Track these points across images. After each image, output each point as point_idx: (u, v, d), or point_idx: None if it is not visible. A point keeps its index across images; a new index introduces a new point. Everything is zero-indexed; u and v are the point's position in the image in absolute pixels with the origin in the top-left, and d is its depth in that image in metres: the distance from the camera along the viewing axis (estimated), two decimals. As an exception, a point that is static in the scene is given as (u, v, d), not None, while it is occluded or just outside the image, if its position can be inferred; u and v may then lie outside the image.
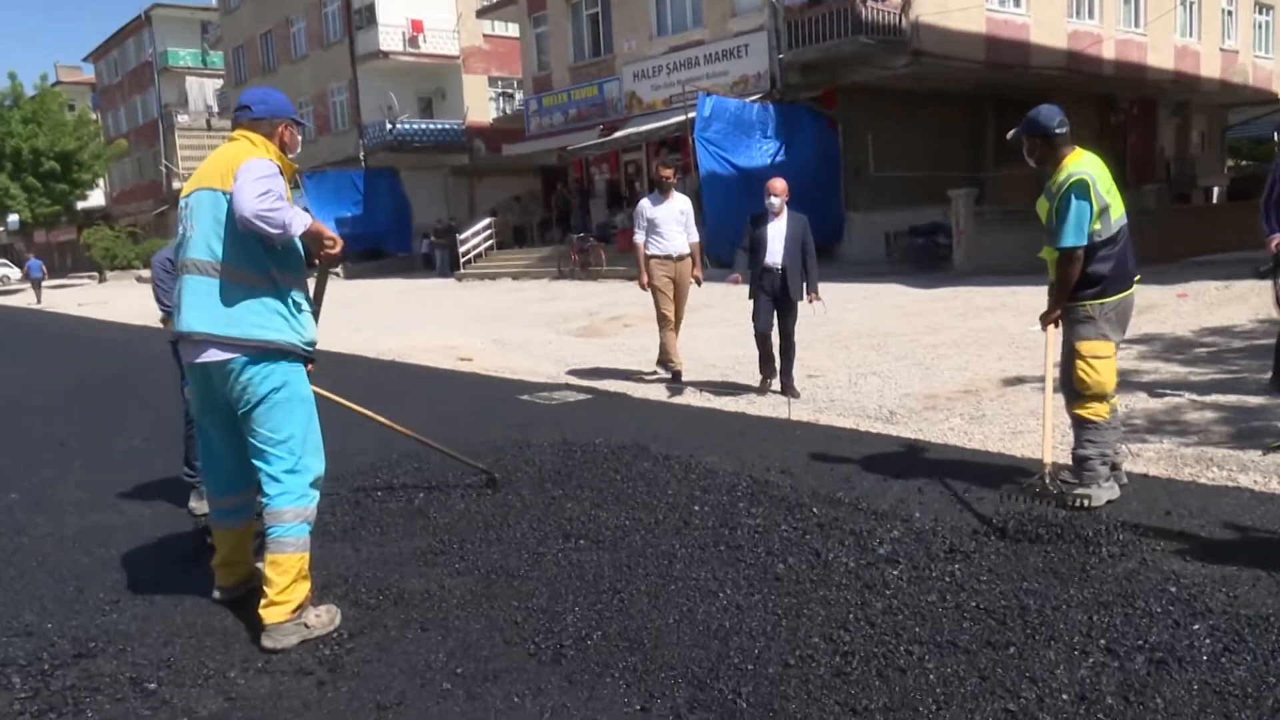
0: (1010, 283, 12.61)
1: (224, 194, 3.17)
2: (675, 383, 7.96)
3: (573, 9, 25.78)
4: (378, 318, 16.63)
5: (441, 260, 28.07)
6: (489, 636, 3.20)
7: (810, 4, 19.65)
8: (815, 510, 4.27)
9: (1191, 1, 26.90)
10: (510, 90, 33.89)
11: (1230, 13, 28.64)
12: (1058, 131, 4.29)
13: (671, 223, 7.95)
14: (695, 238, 8.13)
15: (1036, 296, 4.88)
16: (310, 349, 3.37)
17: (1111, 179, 4.30)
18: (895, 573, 3.51)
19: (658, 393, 7.76)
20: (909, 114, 20.99)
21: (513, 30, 30.55)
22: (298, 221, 3.10)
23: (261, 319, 3.20)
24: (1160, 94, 27.18)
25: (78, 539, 4.54)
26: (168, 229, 40.54)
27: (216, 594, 3.60)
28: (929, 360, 8.42)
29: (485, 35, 33.53)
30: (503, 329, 13.36)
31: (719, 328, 9.67)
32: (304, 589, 3.28)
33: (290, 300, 3.28)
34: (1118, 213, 4.27)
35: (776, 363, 7.31)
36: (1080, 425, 4.32)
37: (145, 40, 48.92)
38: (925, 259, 17.66)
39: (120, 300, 27.30)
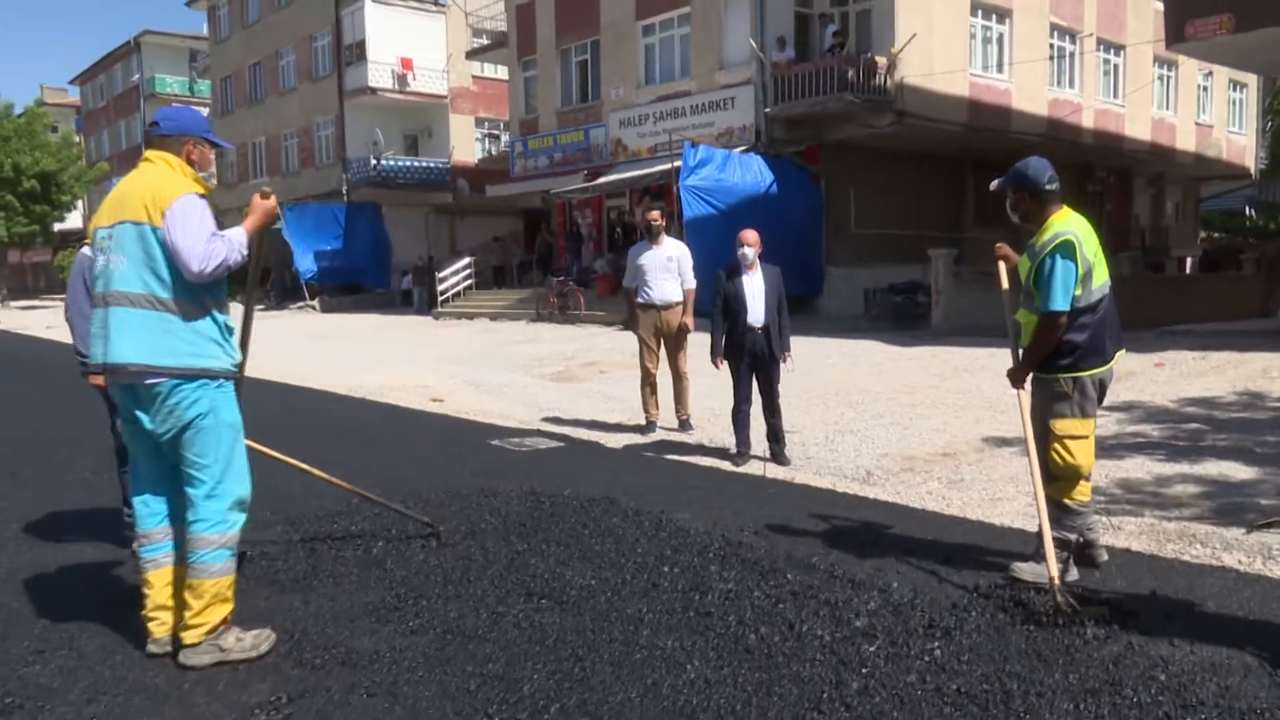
0: (988, 344, 12.57)
1: (151, 228, 3.17)
2: (648, 430, 7.83)
3: (562, 55, 25.96)
4: (352, 352, 16.39)
5: (419, 297, 27.90)
6: (439, 705, 2.99)
7: (797, 61, 19.90)
8: (789, 576, 4.10)
9: (1169, 76, 27.50)
10: (496, 131, 33.99)
11: (1205, 88, 29.30)
12: (1047, 188, 4.02)
13: (658, 270, 7.74)
14: (691, 284, 7.85)
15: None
16: (236, 369, 3.42)
17: (1098, 243, 4.08)
18: (872, 649, 3.33)
19: (631, 442, 7.59)
20: (891, 173, 21.19)
21: (501, 73, 30.74)
22: (239, 251, 3.24)
23: (196, 346, 3.25)
24: (1136, 164, 27.65)
25: (8, 579, 4.29)
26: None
27: (150, 647, 3.37)
28: (906, 420, 8.31)
29: (474, 76, 33.69)
30: (477, 370, 13.16)
31: (694, 379, 9.49)
32: (221, 612, 3.29)
33: (222, 324, 3.34)
34: (1101, 279, 4.00)
35: (750, 430, 6.80)
36: (1056, 507, 3.99)
37: (133, 66, 48.82)
38: (903, 317, 17.68)
39: (90, 324, 26.76)
